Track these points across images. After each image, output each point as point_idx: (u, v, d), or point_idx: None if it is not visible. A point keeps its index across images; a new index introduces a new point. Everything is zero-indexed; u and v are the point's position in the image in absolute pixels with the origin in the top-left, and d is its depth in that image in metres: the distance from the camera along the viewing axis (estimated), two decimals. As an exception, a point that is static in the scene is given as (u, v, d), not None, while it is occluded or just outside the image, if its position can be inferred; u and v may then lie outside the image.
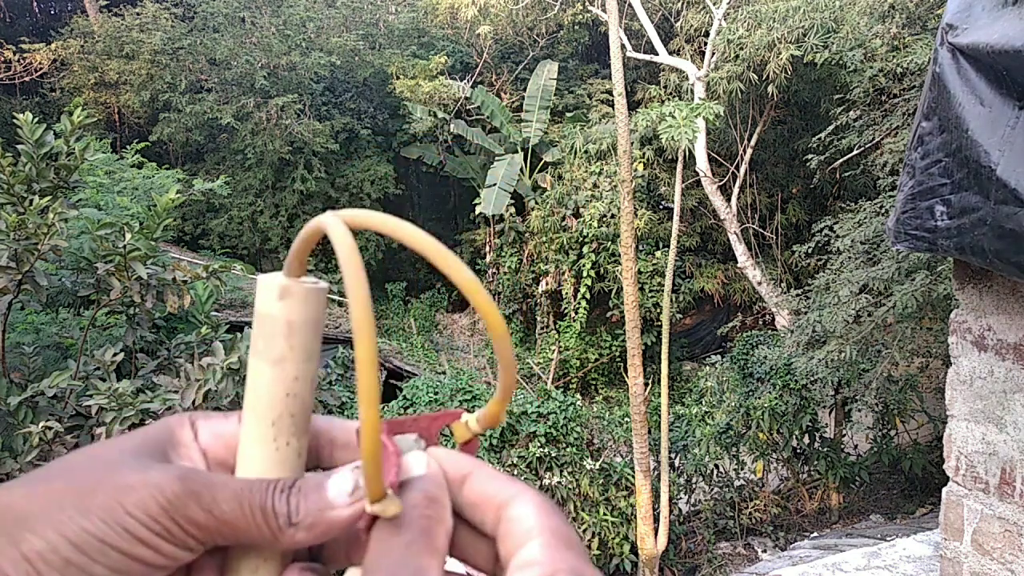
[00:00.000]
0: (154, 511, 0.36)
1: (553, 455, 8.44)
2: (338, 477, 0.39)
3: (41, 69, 16.22)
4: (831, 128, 9.86)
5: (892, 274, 6.73)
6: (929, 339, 7.41)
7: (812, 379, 8.48)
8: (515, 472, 8.20)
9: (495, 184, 16.59)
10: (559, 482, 8.26)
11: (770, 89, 12.05)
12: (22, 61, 15.99)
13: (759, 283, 13.38)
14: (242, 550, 0.40)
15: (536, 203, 16.38)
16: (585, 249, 15.07)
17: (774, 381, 9.22)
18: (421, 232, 0.39)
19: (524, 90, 18.63)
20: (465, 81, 18.39)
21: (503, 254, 17.21)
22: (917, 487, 9.49)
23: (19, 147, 4.00)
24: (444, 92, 17.18)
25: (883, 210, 7.60)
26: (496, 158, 17.56)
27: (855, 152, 9.93)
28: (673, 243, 8.92)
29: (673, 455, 10.16)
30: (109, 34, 16.41)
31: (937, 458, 8.25)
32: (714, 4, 13.82)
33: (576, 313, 15.20)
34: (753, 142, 13.92)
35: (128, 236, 4.09)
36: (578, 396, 9.77)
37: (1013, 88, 1.29)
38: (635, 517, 8.15)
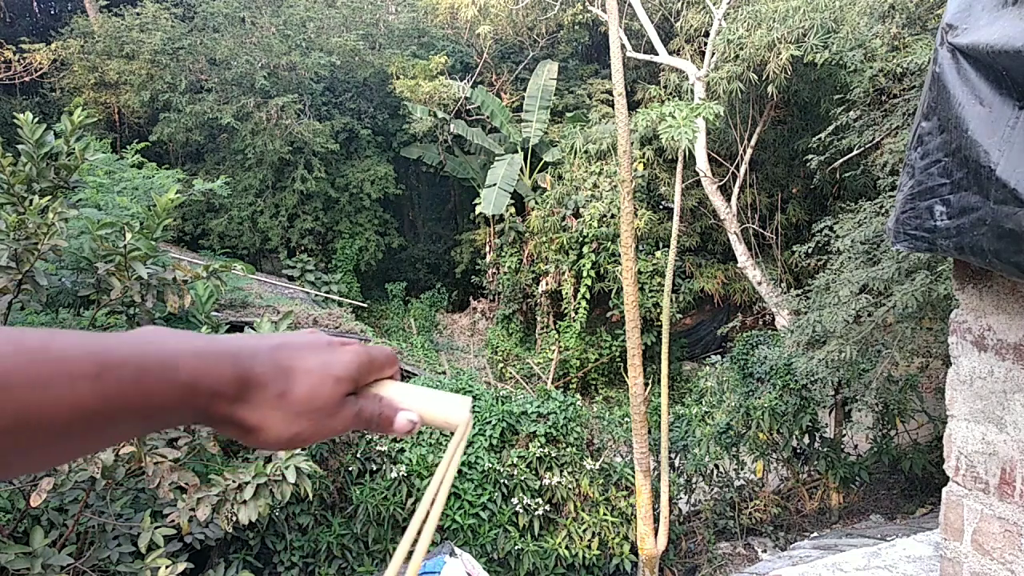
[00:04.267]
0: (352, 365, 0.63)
1: (553, 455, 8.43)
2: (404, 415, 0.67)
3: (41, 69, 16.20)
4: (831, 128, 9.84)
5: (892, 274, 6.73)
6: (929, 339, 7.40)
7: (812, 379, 8.48)
8: (515, 472, 8.21)
9: (495, 184, 16.58)
10: (559, 482, 8.26)
11: (770, 89, 12.04)
12: (22, 61, 15.97)
13: (759, 283, 13.37)
14: None
15: (536, 203, 16.37)
16: (585, 249, 15.06)
17: (774, 381, 9.22)
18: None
19: (524, 90, 18.62)
20: (465, 81, 18.38)
21: (503, 254, 17.20)
22: (917, 487, 9.48)
23: (19, 147, 4.00)
24: (444, 92, 17.17)
25: (883, 210, 7.60)
26: (496, 158, 17.55)
27: (855, 152, 9.92)
28: (673, 243, 8.92)
29: (673, 455, 10.15)
30: (109, 34, 16.39)
31: (937, 458, 8.25)
32: (714, 4, 13.82)
33: (576, 313, 15.19)
34: (753, 142, 13.91)
35: (128, 236, 4.09)
36: (578, 396, 9.77)
37: (1013, 88, 1.29)
38: (635, 517, 8.15)
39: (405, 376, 11.72)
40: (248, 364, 0.56)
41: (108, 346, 0.49)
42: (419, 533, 0.63)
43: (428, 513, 0.65)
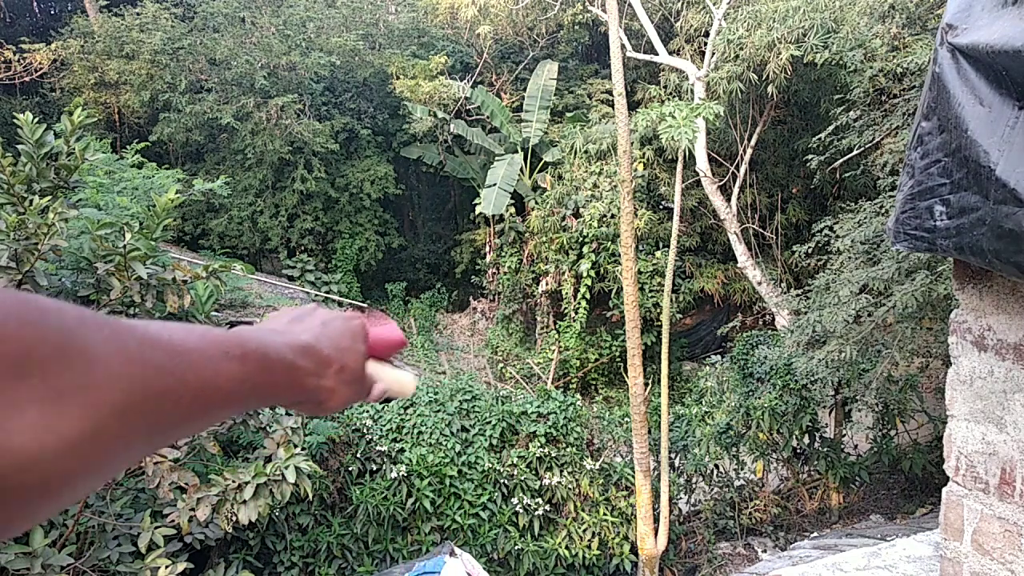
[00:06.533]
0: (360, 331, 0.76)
1: (553, 455, 8.43)
2: (378, 386, 0.79)
3: (41, 69, 16.20)
4: (831, 128, 9.85)
5: (892, 274, 6.73)
6: (929, 339, 7.40)
7: (812, 379, 8.48)
8: (515, 472, 8.21)
9: (495, 184, 16.58)
10: (559, 482, 8.26)
11: (770, 89, 12.04)
12: (22, 61, 15.97)
13: (759, 283, 13.38)
14: None
15: (536, 203, 16.37)
16: (585, 249, 15.06)
17: (774, 381, 9.22)
18: None
19: (524, 90, 18.61)
20: (465, 81, 18.38)
21: (503, 254, 17.20)
22: (917, 487, 9.49)
23: (19, 147, 4.00)
24: (444, 92, 17.17)
25: (883, 210, 7.60)
26: (496, 158, 17.55)
27: (855, 152, 9.92)
28: (673, 243, 8.92)
29: (673, 455, 10.15)
30: (109, 34, 16.39)
31: (937, 458, 8.25)
32: (714, 4, 13.82)
33: (576, 313, 15.19)
34: (753, 142, 13.91)
35: (128, 236, 4.10)
36: (578, 396, 9.77)
37: (1013, 88, 1.29)
38: (635, 517, 8.15)
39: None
40: (318, 347, 0.68)
41: (242, 334, 0.59)
42: None
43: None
